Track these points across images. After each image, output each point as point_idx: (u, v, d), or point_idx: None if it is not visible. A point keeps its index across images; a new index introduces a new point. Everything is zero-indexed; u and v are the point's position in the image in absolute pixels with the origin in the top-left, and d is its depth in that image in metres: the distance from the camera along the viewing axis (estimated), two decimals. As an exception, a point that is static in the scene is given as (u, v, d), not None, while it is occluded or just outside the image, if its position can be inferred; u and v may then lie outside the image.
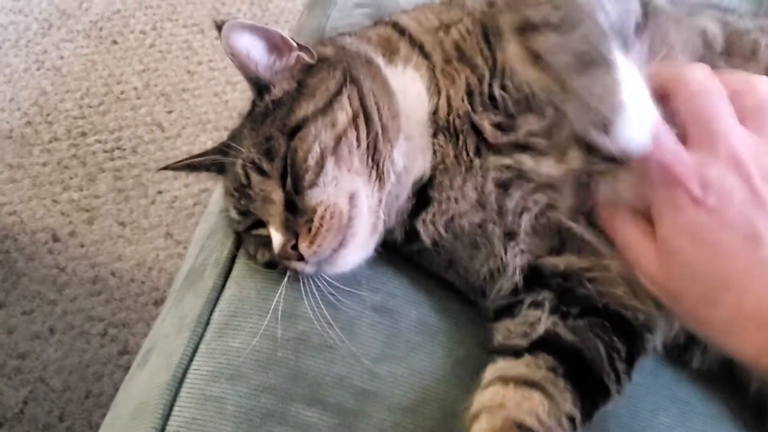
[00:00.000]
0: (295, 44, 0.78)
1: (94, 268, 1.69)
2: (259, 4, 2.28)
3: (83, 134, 1.92)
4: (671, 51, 0.75)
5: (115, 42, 2.12)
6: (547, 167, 0.72)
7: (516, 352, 0.72)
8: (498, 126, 0.74)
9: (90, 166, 1.86)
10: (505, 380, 0.70)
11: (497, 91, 0.74)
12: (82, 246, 1.72)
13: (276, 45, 0.78)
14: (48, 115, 1.95)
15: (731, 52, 0.79)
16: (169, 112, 1.98)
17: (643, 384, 0.76)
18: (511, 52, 0.67)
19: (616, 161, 0.59)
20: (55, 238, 1.73)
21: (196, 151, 0.88)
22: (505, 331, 0.75)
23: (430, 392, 0.72)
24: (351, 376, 0.71)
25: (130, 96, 2.00)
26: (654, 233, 0.62)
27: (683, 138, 0.61)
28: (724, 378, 0.78)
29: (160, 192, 1.81)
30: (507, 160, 0.74)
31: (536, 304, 0.75)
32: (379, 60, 0.80)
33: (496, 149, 0.74)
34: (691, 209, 0.58)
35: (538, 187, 0.73)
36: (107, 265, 1.70)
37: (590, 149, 0.62)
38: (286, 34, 0.78)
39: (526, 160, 0.73)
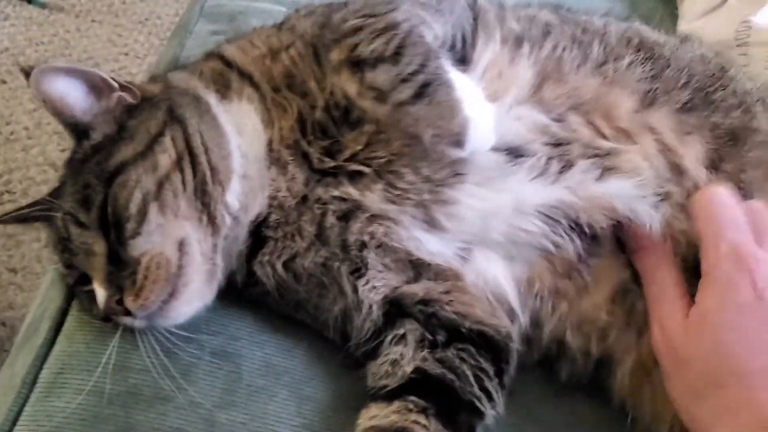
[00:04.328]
0: (116, 84, 0.74)
1: (-17, 319, 1.61)
2: (156, 34, 2.24)
3: (-30, 180, 1.84)
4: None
5: (3, 81, 2.05)
6: (372, 200, 0.71)
7: (387, 396, 0.69)
8: (325, 151, 0.72)
9: (-22, 213, 1.78)
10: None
11: (325, 116, 0.72)
12: (-30, 297, 1.65)
13: (96, 86, 0.74)
14: (-69, 162, 1.87)
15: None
16: (63, 150, 1.91)
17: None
18: (353, 91, 0.69)
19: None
20: (-60, 291, 1.65)
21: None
22: (371, 375, 0.72)
23: (273, 436, 0.69)
24: (187, 428, 0.67)
25: (21, 136, 1.93)
26: (688, 300, 0.66)
27: None
28: (593, 388, 0.76)
29: (53, 235, 1.74)
30: (335, 192, 0.71)
31: (399, 339, 0.72)
32: (210, 96, 0.76)
33: (325, 181, 0.72)
34: (747, 294, 0.62)
35: (374, 218, 0.71)
36: (-3, 314, 1.62)
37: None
38: (106, 74, 0.74)
39: (352, 192, 0.71)
